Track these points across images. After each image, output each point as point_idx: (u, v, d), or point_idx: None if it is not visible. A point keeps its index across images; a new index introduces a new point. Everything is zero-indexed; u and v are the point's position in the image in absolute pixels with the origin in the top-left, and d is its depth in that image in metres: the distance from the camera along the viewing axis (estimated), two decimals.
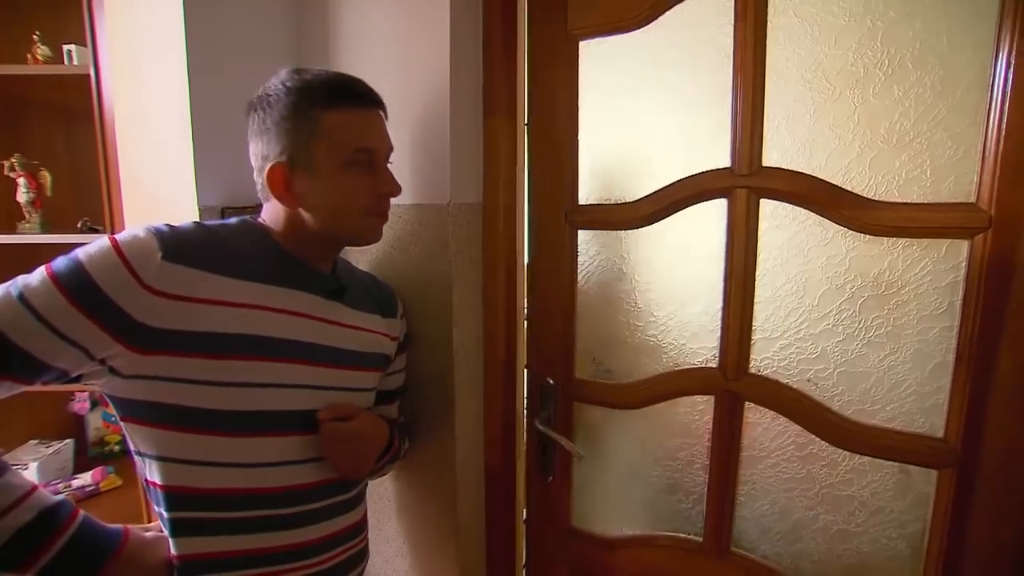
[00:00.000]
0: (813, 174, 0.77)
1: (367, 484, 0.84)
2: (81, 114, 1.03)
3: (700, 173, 0.84)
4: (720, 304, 0.85)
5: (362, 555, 0.80)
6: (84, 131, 1.00)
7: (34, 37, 1.09)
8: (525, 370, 1.06)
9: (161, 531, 0.65)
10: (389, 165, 0.74)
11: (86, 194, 1.35)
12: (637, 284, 0.95)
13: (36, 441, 1.51)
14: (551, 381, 1.02)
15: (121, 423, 0.64)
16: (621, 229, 0.94)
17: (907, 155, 0.72)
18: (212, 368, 0.60)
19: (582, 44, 0.91)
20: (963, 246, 0.70)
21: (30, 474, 1.38)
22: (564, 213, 0.97)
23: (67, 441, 1.56)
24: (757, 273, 0.83)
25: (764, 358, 0.85)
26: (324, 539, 0.70)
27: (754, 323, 0.84)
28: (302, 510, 0.68)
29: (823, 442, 0.81)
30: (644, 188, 0.90)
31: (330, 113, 0.65)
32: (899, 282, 0.74)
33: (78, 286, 0.56)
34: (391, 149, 0.73)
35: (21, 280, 0.58)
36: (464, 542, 0.98)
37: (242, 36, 0.92)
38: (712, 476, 0.90)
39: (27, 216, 1.39)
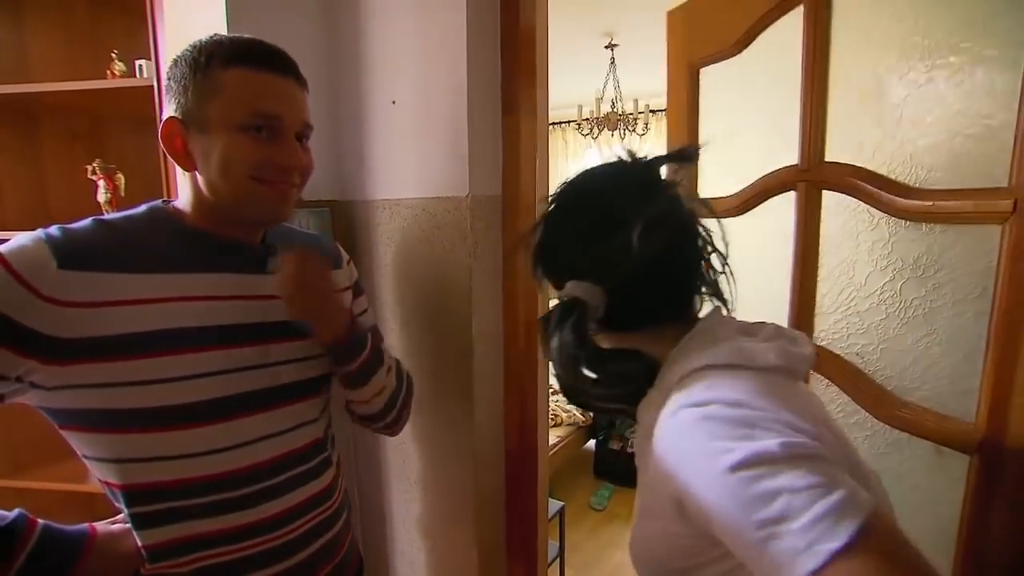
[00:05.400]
0: (863, 166, 0.85)
1: (333, 449, 0.80)
2: (149, 122, 1.11)
3: (772, 172, 1.00)
4: (789, 281, 0.99)
5: (334, 518, 0.76)
6: (153, 138, 1.02)
7: (112, 55, 1.19)
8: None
9: (126, 522, 0.64)
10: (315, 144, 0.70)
11: (153, 194, 1.34)
12: (735, 264, 1.13)
13: None
14: None
15: (61, 432, 0.62)
16: (723, 217, 1.14)
17: (948, 144, 0.75)
18: (134, 369, 0.59)
19: (702, 71, 1.16)
20: (996, 231, 0.70)
21: None
22: None
23: None
24: (820, 254, 0.94)
25: (822, 330, 0.95)
26: (282, 513, 0.68)
27: (816, 298, 0.95)
28: (256, 489, 0.66)
29: (866, 412, 0.87)
30: (739, 185, 1.09)
31: (231, 71, 0.62)
32: (936, 265, 0.77)
33: None
34: (308, 125, 0.68)
35: None
36: (484, 524, 1.01)
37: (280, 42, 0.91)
38: None
39: (105, 213, 1.33)
